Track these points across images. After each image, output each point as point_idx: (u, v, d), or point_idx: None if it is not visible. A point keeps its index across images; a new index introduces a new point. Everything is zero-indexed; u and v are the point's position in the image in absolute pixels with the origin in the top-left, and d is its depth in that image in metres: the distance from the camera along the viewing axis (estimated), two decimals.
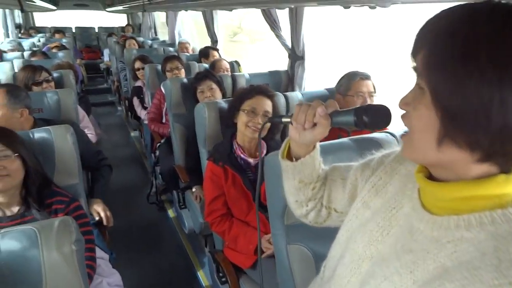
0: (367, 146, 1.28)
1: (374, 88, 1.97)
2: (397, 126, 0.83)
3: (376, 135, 1.39)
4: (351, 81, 1.95)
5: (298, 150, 0.86)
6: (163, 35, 7.12)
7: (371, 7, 1.44)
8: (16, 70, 3.08)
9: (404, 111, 0.61)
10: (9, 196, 1.28)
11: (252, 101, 1.74)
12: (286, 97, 2.09)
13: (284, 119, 0.85)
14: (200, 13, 4.33)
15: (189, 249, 2.65)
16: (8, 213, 1.31)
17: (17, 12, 7.48)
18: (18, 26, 7.67)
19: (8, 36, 6.45)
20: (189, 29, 5.94)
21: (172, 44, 5.49)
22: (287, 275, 1.25)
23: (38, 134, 1.55)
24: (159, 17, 7.55)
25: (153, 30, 7.74)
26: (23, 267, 0.88)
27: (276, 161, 1.24)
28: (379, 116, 0.72)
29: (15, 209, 1.31)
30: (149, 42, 6.01)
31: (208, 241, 2.30)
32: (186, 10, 4.71)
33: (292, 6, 2.28)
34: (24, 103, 1.81)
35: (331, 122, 0.77)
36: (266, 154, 1.77)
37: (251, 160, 1.76)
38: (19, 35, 7.36)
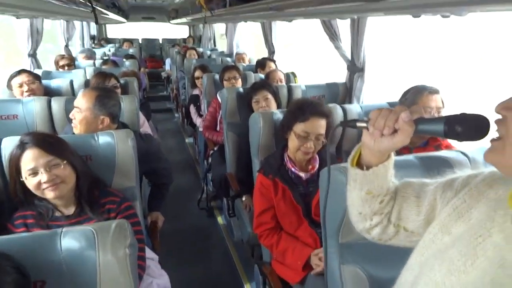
0: (435, 165, 1.18)
1: (443, 103, 1.83)
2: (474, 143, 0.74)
3: (445, 153, 1.27)
4: (418, 95, 1.83)
5: (370, 158, 0.80)
6: (222, 46, 7.34)
7: (444, 16, 1.33)
8: (88, 77, 3.32)
9: (499, 116, 0.56)
10: (66, 198, 1.35)
11: (305, 125, 1.63)
12: (344, 110, 2.01)
13: (359, 124, 0.79)
14: (259, 25, 4.39)
15: (236, 258, 2.64)
16: (66, 213, 1.38)
17: (92, 25, 8.17)
18: (92, 37, 8.38)
19: (83, 46, 7.05)
20: (247, 40, 6.05)
21: (230, 55, 5.63)
22: None
23: (102, 137, 1.63)
24: (219, 29, 7.80)
25: (212, 41, 8.01)
26: (80, 266, 0.91)
27: (332, 174, 1.18)
28: (475, 127, 0.64)
29: (72, 209, 1.38)
30: (208, 52, 6.22)
31: (255, 251, 2.26)
32: (246, 22, 4.79)
33: (355, 17, 2.21)
34: (109, 111, 1.79)
35: (415, 130, 0.71)
36: (319, 167, 1.73)
37: (302, 174, 1.71)
38: (93, 45, 8.01)
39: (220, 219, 3.14)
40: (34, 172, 1.26)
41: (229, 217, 2.52)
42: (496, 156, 0.57)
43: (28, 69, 3.74)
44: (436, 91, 1.81)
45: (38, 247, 0.94)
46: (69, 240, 0.93)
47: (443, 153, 1.29)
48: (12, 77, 2.58)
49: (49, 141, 1.31)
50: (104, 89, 1.96)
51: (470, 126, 0.65)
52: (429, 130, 0.70)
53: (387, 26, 2.80)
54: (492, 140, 0.59)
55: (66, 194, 1.34)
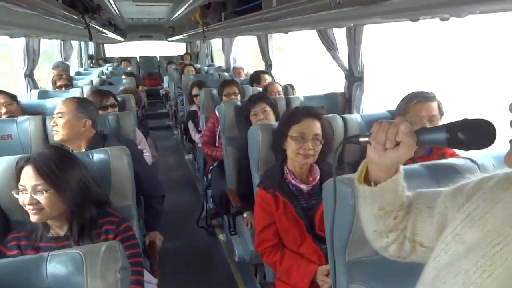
0: (443, 173, 1.12)
1: (440, 111, 1.76)
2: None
3: (453, 160, 1.22)
4: (409, 103, 1.77)
5: (377, 174, 0.77)
6: (219, 62, 7.38)
7: (443, 19, 1.29)
8: (85, 95, 3.29)
9: None
10: (57, 220, 1.30)
11: (299, 126, 1.63)
12: (344, 120, 1.96)
13: (361, 139, 0.77)
14: (255, 39, 4.39)
15: (239, 278, 2.54)
16: (60, 233, 1.32)
17: (91, 44, 8.24)
18: (90, 57, 8.42)
19: (81, 66, 7.08)
20: (244, 55, 6.07)
21: (227, 70, 5.63)
22: None
23: (96, 154, 1.58)
24: (216, 44, 7.85)
25: (209, 57, 8.06)
26: None
27: (338, 187, 1.12)
28: (478, 133, 0.61)
29: (65, 229, 1.32)
30: (206, 68, 6.23)
31: (258, 270, 2.18)
32: (242, 35, 4.80)
33: (352, 25, 2.18)
34: (90, 115, 1.91)
35: (417, 141, 0.68)
36: (320, 179, 1.66)
37: (303, 187, 1.65)
38: (91, 64, 8.05)
39: (221, 237, 3.05)
40: (23, 190, 1.23)
41: (230, 235, 2.44)
42: None
43: (24, 89, 3.74)
44: (428, 98, 1.73)
45: (22, 274, 0.87)
46: (56, 266, 0.87)
47: (450, 160, 1.23)
48: None
49: (49, 164, 1.24)
50: (82, 98, 2.19)
51: (474, 132, 0.61)
52: (431, 140, 0.68)
53: (385, 32, 2.78)
54: None
55: (55, 218, 1.28)
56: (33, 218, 1.24)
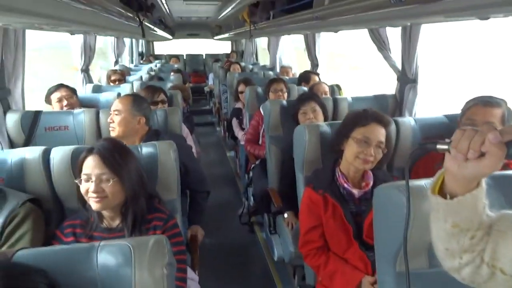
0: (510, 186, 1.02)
1: (504, 119, 1.60)
2: None
3: None
4: (467, 105, 1.65)
5: (454, 186, 0.70)
6: (264, 60, 7.37)
7: None
8: (135, 91, 3.41)
9: None
10: (113, 211, 1.35)
11: (365, 129, 1.55)
12: (397, 123, 1.86)
13: (439, 146, 0.70)
14: (301, 38, 4.33)
15: (277, 278, 2.52)
16: (112, 225, 1.37)
17: (141, 42, 8.57)
18: (141, 54, 8.78)
19: (132, 62, 7.39)
20: (289, 55, 6.02)
21: (272, 68, 5.61)
22: None
23: (145, 148, 1.63)
24: (261, 43, 7.86)
25: (254, 56, 8.08)
26: (115, 283, 0.86)
27: (390, 193, 1.06)
28: None
29: (117, 222, 1.36)
30: (250, 66, 6.25)
31: (297, 272, 2.14)
32: (289, 34, 4.75)
33: (408, 24, 2.06)
34: (144, 112, 1.98)
35: (507, 153, 0.61)
36: (373, 185, 1.59)
37: (355, 191, 1.58)
38: (141, 61, 8.39)
39: (260, 236, 3.04)
40: (88, 179, 1.28)
41: (270, 234, 2.42)
42: None
43: (81, 83, 3.95)
44: (488, 103, 1.59)
45: (74, 262, 0.90)
46: (106, 256, 0.89)
47: None
48: (51, 92, 2.66)
49: (113, 154, 1.30)
50: (137, 94, 2.27)
51: None
52: None
53: (444, 30, 2.61)
54: None
55: (112, 208, 1.33)
56: (96, 206, 1.28)
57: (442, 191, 0.72)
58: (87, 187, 1.28)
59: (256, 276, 2.59)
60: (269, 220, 2.44)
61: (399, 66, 2.57)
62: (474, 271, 0.72)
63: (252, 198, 3.03)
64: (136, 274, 0.85)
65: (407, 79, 2.50)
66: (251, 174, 2.99)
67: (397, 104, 2.65)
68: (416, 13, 1.46)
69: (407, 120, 1.90)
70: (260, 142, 3.04)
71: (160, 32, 6.39)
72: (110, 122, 1.94)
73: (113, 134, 1.93)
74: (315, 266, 1.61)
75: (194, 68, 10.58)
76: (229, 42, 10.86)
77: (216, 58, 9.51)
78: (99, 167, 1.27)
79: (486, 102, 1.61)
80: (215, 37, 10.17)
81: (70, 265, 0.88)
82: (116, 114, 1.92)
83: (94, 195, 1.26)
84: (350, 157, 1.56)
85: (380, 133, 1.55)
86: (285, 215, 2.18)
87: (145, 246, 0.88)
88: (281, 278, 2.50)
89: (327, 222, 1.56)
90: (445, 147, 0.69)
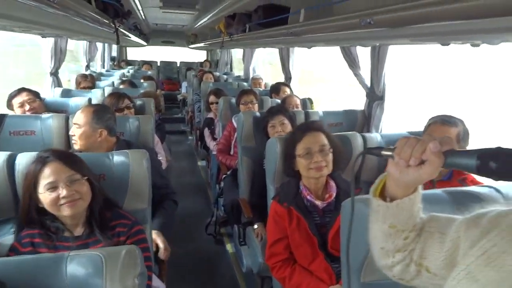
0: (464, 200, 1.09)
1: (459, 138, 1.71)
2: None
3: (477, 188, 1.18)
4: (428, 122, 1.77)
5: (395, 190, 0.75)
6: (239, 71, 7.44)
7: (474, 45, 1.28)
8: (106, 96, 3.35)
9: None
10: (77, 218, 1.31)
11: (303, 143, 1.64)
12: (364, 138, 1.95)
13: (384, 152, 0.75)
14: (276, 54, 4.41)
15: None
16: (75, 234, 1.33)
17: (114, 46, 8.42)
18: (113, 59, 8.61)
19: (104, 67, 7.23)
20: (264, 70, 6.13)
21: (246, 79, 5.67)
22: None
23: (117, 156, 1.60)
24: (236, 54, 7.93)
25: (229, 66, 8.14)
26: None
27: (357, 207, 1.10)
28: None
29: (81, 230, 1.33)
30: (225, 76, 6.29)
31: (265, 283, 2.16)
32: (265, 47, 4.84)
33: (377, 44, 2.18)
34: (106, 124, 1.89)
35: (444, 163, 0.65)
36: (336, 196, 1.65)
37: (318, 203, 1.63)
38: (113, 66, 8.22)
39: (229, 247, 3.04)
40: (54, 187, 1.24)
41: (239, 245, 2.42)
42: None
43: (49, 87, 3.83)
44: (445, 122, 1.71)
45: (40, 273, 0.88)
46: (76, 267, 0.87)
47: (474, 188, 1.20)
48: (12, 96, 2.55)
49: (70, 157, 1.31)
50: (99, 105, 2.15)
51: (507, 163, 0.58)
52: (459, 164, 0.65)
53: (409, 52, 2.76)
54: None
55: (77, 214, 1.30)
56: (69, 211, 1.24)
57: (382, 194, 0.78)
58: (55, 195, 1.24)
59: (224, 287, 2.57)
60: (239, 231, 2.44)
61: (368, 84, 2.69)
62: (404, 269, 0.77)
63: (222, 208, 3.02)
64: (107, 285, 0.84)
65: (375, 96, 2.61)
66: (222, 184, 3.00)
67: (365, 118, 2.76)
68: (385, 35, 1.55)
69: (374, 136, 1.99)
70: (232, 152, 3.06)
71: (134, 38, 6.32)
72: (72, 136, 1.89)
73: (76, 147, 1.88)
74: (281, 278, 1.64)
75: (168, 75, 10.49)
76: (205, 51, 10.88)
77: (190, 66, 9.48)
78: (64, 170, 1.25)
79: (444, 121, 1.72)
80: (190, 46, 10.16)
81: (36, 276, 0.86)
82: (76, 128, 1.87)
83: (67, 199, 1.23)
84: (304, 172, 1.63)
85: (317, 138, 1.63)
86: (255, 226, 2.20)
87: (117, 256, 0.88)
88: None
89: (292, 234, 1.60)
90: (389, 153, 0.73)
